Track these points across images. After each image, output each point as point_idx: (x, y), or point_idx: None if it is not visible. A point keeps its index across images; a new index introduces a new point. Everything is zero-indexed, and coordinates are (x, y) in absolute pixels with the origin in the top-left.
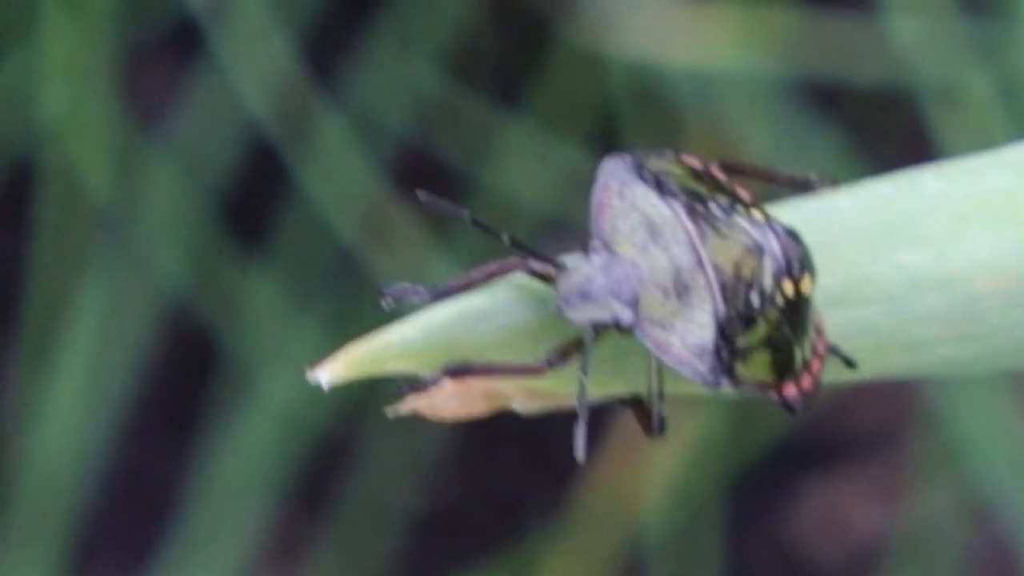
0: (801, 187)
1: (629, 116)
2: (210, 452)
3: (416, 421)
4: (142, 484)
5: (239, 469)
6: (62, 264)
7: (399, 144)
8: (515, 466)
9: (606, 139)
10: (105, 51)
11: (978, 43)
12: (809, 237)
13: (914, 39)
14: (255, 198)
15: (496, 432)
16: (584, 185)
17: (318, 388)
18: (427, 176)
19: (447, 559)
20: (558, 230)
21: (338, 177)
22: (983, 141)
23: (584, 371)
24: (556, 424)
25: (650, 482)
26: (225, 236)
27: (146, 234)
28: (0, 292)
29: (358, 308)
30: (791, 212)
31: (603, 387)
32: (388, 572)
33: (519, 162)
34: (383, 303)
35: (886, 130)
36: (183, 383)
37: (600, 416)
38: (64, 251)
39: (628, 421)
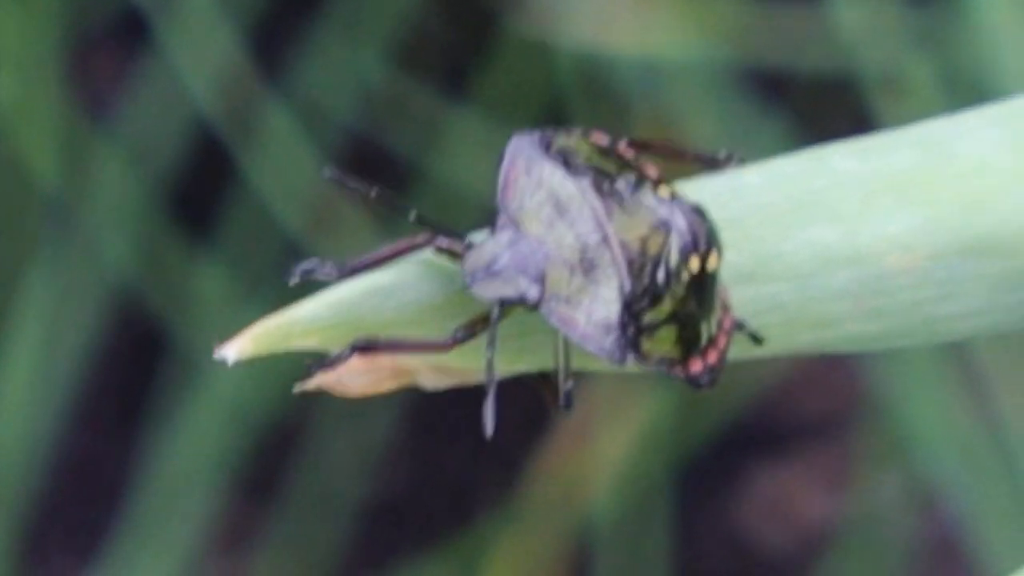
0: (710, 164)
1: (576, 105)
2: (158, 440)
3: (365, 409)
4: (91, 472)
5: (188, 457)
6: (10, 252)
7: (346, 134)
8: (464, 454)
9: (554, 128)
10: (53, 40)
11: (922, 32)
12: (718, 214)
13: (859, 27)
14: (203, 187)
15: (444, 420)
16: None
17: (267, 376)
18: (374, 166)
19: (396, 546)
20: None
21: (285, 167)
22: None
23: (491, 347)
24: (505, 411)
25: (598, 469)
26: (173, 225)
27: (94, 223)
28: None
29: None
30: (700, 189)
31: (511, 364)
32: (337, 560)
33: (467, 152)
34: (290, 281)
35: (831, 118)
36: (131, 372)
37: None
38: (12, 240)
39: (576, 408)
